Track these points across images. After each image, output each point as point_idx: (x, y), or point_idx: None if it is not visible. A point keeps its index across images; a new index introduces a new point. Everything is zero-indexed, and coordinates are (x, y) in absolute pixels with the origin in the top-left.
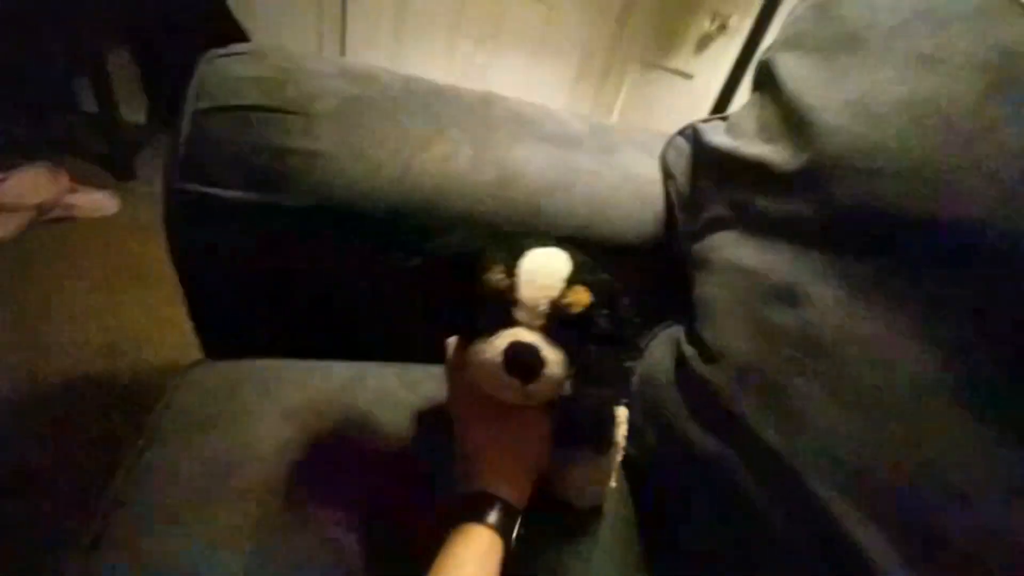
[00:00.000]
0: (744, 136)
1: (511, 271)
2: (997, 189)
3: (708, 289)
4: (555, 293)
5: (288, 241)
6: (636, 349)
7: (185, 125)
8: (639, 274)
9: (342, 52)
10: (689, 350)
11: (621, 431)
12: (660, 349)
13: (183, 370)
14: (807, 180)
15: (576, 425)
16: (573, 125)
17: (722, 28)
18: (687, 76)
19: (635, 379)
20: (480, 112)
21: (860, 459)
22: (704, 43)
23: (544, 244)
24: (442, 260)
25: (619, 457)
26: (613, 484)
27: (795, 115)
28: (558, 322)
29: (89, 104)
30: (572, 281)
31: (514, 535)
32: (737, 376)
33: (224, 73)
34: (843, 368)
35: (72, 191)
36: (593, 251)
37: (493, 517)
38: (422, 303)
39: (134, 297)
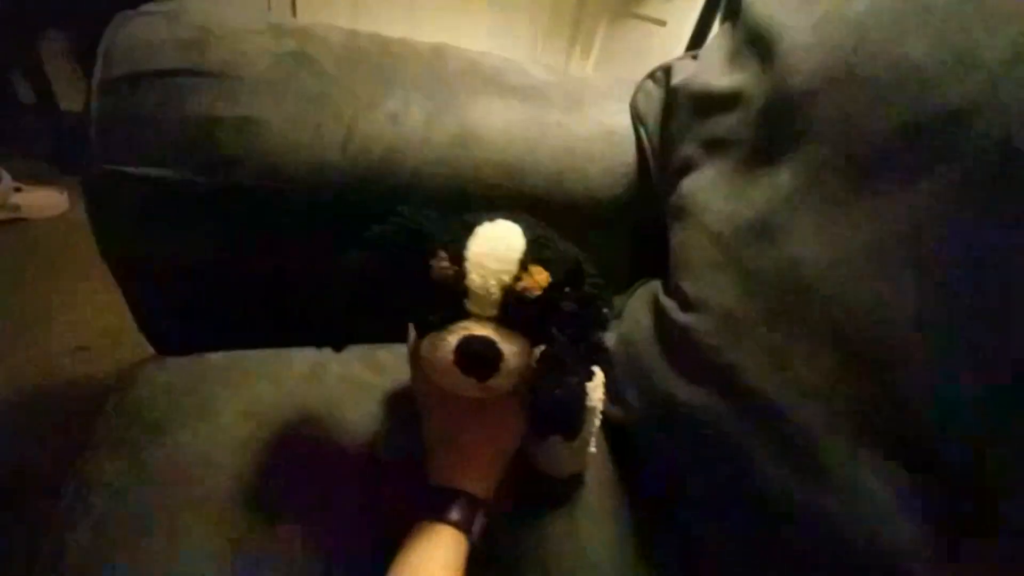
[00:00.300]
0: (713, 69)
1: (458, 256)
2: (982, 77)
3: (684, 236)
4: (508, 278)
5: (227, 223)
6: (605, 324)
7: (96, 97)
8: (616, 231)
9: (293, 15)
10: (668, 302)
11: (597, 395)
12: (638, 306)
13: (132, 368)
14: (781, 104)
15: (543, 417)
16: (538, 76)
17: None
18: (660, 22)
19: (612, 339)
20: (433, 65)
21: (847, 390)
22: None
23: (495, 219)
24: (382, 252)
25: (597, 422)
26: (593, 450)
27: (765, 39)
28: (515, 308)
29: (26, 96)
30: (527, 261)
31: (478, 527)
32: (719, 324)
33: (137, 35)
34: (825, 305)
35: (17, 190)
36: (565, 211)
37: (455, 513)
38: (368, 297)
39: (101, 296)
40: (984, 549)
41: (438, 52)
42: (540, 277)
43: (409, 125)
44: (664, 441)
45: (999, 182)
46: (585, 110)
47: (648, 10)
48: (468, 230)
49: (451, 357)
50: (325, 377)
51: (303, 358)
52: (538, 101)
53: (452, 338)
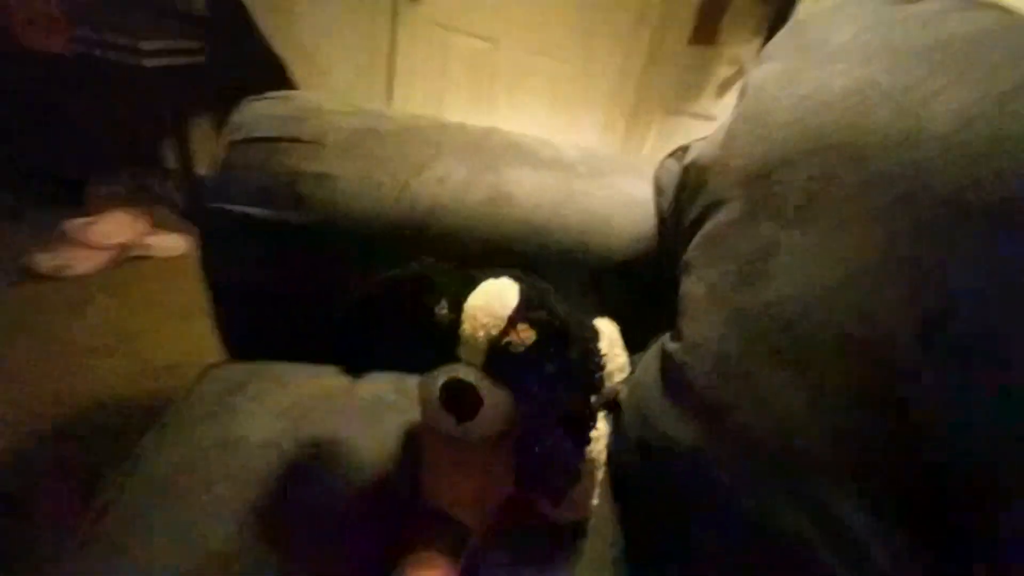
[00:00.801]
0: (714, 143)
1: (457, 305)
2: (939, 143)
3: (686, 287)
4: (496, 331)
5: (298, 254)
6: (592, 387)
7: (219, 153)
8: (635, 289)
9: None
10: (671, 345)
11: (598, 447)
12: (650, 356)
13: (205, 369)
14: (760, 170)
15: (524, 472)
16: (568, 152)
17: (740, 72)
18: (709, 119)
19: (623, 390)
20: (479, 140)
21: (832, 424)
22: (725, 87)
23: (500, 275)
24: (393, 290)
25: (599, 474)
26: (595, 501)
27: (754, 115)
28: (500, 360)
29: (171, 161)
30: (516, 319)
31: (466, 561)
32: (712, 364)
33: (254, 112)
34: (805, 347)
35: (150, 233)
36: (587, 268)
37: (447, 540)
38: (372, 325)
39: (200, 323)
40: None
41: (485, 131)
42: (525, 335)
43: (451, 186)
44: (664, 484)
45: (955, 227)
46: (607, 180)
47: (699, 108)
48: (472, 284)
49: (438, 394)
50: (355, 391)
51: (340, 374)
52: (566, 172)
53: (440, 377)
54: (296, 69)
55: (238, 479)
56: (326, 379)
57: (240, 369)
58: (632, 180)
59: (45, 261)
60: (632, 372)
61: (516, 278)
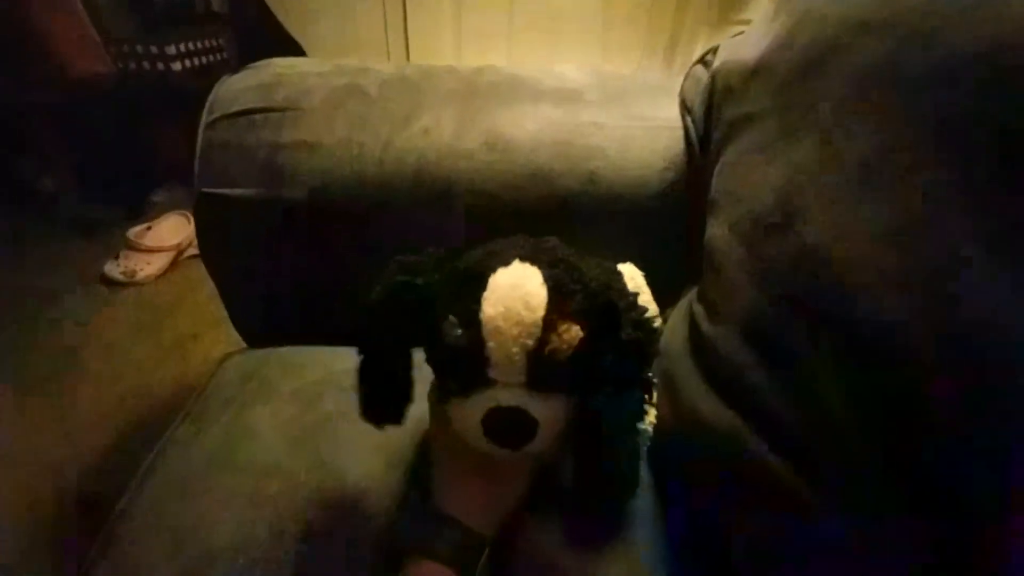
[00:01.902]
0: (749, 41)
1: (472, 321)
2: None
3: (712, 232)
4: (532, 342)
5: (290, 234)
6: (651, 361)
7: (200, 137)
8: (662, 232)
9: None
10: (698, 309)
11: (650, 418)
12: (678, 315)
13: (224, 356)
14: (807, 63)
15: (588, 492)
16: (575, 77)
17: None
18: None
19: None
20: (470, 82)
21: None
22: None
23: (509, 261)
24: (385, 319)
25: (644, 449)
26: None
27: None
28: (545, 372)
29: None
30: (552, 319)
31: (478, 568)
32: (741, 334)
33: (229, 87)
34: (845, 307)
35: None
36: (599, 214)
37: (450, 547)
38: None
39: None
40: None
41: (477, 70)
42: (569, 335)
43: (439, 137)
44: (686, 459)
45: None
46: (624, 105)
47: (750, 13)
48: (478, 283)
49: (479, 430)
50: None
51: (352, 355)
52: (572, 102)
53: (478, 409)
54: (313, 54)
55: (246, 470)
56: (339, 362)
57: (255, 356)
58: (656, 101)
59: (115, 268)
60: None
61: (529, 258)
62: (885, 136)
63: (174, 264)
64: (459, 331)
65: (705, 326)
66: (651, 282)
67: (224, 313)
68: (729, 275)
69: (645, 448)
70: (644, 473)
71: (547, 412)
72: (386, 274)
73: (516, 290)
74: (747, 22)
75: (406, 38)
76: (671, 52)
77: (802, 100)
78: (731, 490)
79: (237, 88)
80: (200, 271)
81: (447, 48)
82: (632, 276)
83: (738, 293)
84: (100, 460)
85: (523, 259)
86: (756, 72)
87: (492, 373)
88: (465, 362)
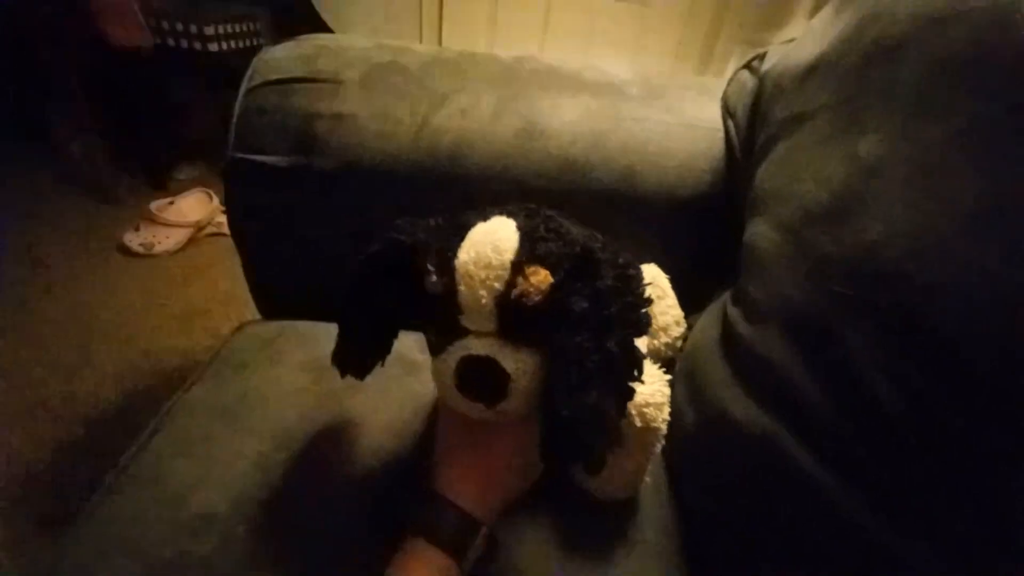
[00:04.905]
0: (805, 43)
1: (447, 267)
2: None
3: (753, 231)
4: (500, 285)
5: (319, 204)
6: (639, 324)
7: (239, 102)
8: (697, 234)
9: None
10: (733, 312)
11: (663, 415)
12: (709, 318)
13: (240, 325)
14: (869, 57)
15: (555, 441)
16: (615, 73)
17: None
18: None
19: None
20: (511, 68)
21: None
22: (819, 8)
23: (489, 215)
24: (376, 272)
25: (658, 447)
26: (648, 479)
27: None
28: (515, 318)
29: None
30: (521, 262)
31: (473, 553)
32: (785, 335)
33: (271, 56)
34: (904, 295)
35: (222, 212)
36: (636, 210)
37: (446, 530)
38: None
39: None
40: None
41: (520, 59)
42: (537, 278)
43: (476, 118)
44: (711, 463)
45: None
46: (665, 102)
47: (787, 34)
48: (460, 234)
49: (452, 382)
50: None
51: None
52: (612, 95)
53: (451, 359)
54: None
55: (253, 434)
56: None
57: (271, 327)
58: (698, 100)
59: (134, 239)
60: (688, 331)
61: (509, 213)
62: (963, 120)
63: (192, 240)
64: (435, 278)
65: (742, 326)
66: (675, 286)
67: (236, 291)
68: (775, 273)
69: (657, 447)
70: (658, 474)
71: (518, 365)
72: (381, 237)
73: (488, 236)
74: (788, 41)
75: (440, 29)
76: (704, 63)
77: (870, 90)
78: (760, 499)
79: (279, 56)
80: (216, 249)
81: (480, 40)
82: (655, 278)
83: (785, 291)
84: (107, 415)
85: (504, 214)
86: (814, 69)
87: (464, 321)
88: (441, 310)
